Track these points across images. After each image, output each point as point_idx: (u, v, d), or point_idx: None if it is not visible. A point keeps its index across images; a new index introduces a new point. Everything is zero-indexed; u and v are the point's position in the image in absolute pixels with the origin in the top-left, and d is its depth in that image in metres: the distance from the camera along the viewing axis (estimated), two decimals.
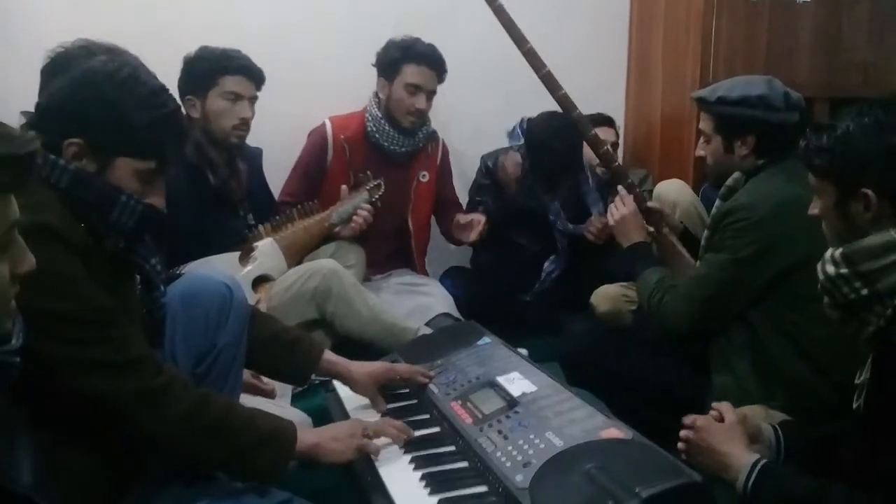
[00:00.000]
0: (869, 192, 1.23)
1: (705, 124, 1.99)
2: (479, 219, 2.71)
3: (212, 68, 2.30)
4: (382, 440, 1.50)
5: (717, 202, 1.97)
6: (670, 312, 1.92)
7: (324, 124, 2.70)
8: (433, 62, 2.64)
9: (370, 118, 2.67)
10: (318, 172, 2.69)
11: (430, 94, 2.67)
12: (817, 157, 1.31)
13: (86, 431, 1.24)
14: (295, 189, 2.69)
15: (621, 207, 2.16)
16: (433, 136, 2.81)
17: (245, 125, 2.35)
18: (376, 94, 2.70)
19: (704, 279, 1.87)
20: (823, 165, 1.30)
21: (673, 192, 2.40)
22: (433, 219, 2.95)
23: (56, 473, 1.13)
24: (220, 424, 1.32)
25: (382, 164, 2.68)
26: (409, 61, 2.62)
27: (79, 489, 1.21)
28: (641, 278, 2.04)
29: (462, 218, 2.74)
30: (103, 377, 1.21)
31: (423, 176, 2.80)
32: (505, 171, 2.80)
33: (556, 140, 2.64)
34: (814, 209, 1.37)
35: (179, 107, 1.38)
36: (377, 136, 2.66)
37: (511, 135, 3.00)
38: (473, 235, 2.70)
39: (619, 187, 2.22)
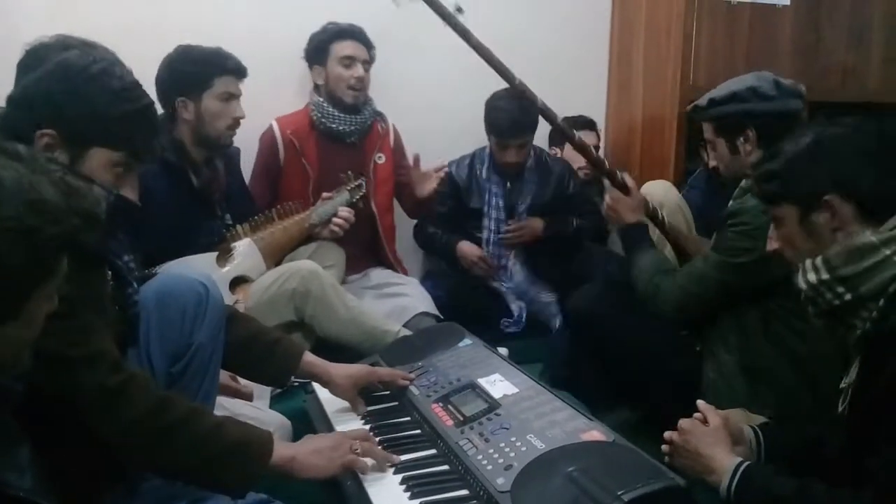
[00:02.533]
0: (831, 197, 1.24)
1: (707, 132, 1.98)
2: (438, 167, 2.74)
3: (205, 69, 2.27)
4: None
5: (731, 202, 1.95)
6: (662, 298, 1.95)
7: (271, 126, 2.72)
8: (357, 35, 2.71)
9: (314, 107, 2.71)
10: (275, 172, 2.71)
11: (365, 63, 2.71)
12: (769, 184, 1.32)
13: (64, 431, 1.20)
14: (256, 193, 2.68)
15: (612, 194, 2.19)
16: (380, 115, 2.83)
17: (237, 124, 2.34)
18: (315, 86, 2.77)
19: (701, 277, 1.90)
20: (779, 189, 1.31)
21: (659, 192, 2.41)
22: (406, 219, 2.97)
23: (47, 476, 1.11)
24: (182, 429, 1.25)
25: (335, 150, 2.71)
26: (335, 40, 2.70)
27: (66, 490, 1.18)
28: (636, 260, 2.04)
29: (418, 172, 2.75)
30: (56, 371, 1.17)
31: (380, 158, 2.80)
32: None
33: (504, 100, 2.73)
34: (773, 245, 1.38)
35: (152, 102, 1.38)
36: (324, 121, 2.69)
37: None
38: (433, 184, 2.72)
39: (607, 183, 2.24)
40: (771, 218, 1.66)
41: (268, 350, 1.65)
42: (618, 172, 2.25)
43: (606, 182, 2.25)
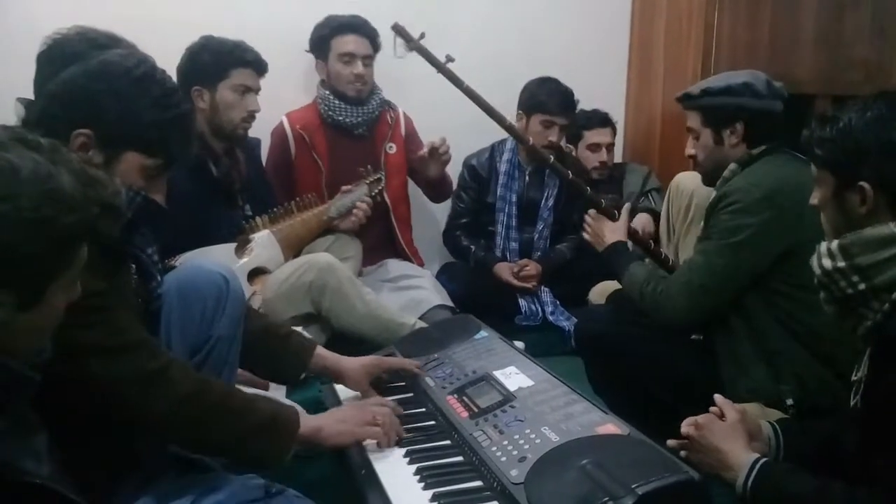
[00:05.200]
0: (865, 185, 1.22)
1: (693, 121, 1.98)
2: (441, 141, 2.65)
3: (223, 60, 2.29)
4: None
5: (713, 192, 1.96)
6: (667, 302, 1.89)
7: (281, 121, 2.74)
8: (359, 28, 2.70)
9: (321, 100, 2.73)
10: (286, 167, 2.73)
11: (366, 58, 2.71)
12: (819, 148, 1.30)
13: (81, 422, 1.22)
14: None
15: (589, 220, 2.22)
16: (388, 105, 2.83)
17: (252, 117, 2.37)
18: (321, 80, 2.77)
19: (703, 266, 1.85)
20: (824, 156, 1.30)
21: (691, 181, 2.38)
22: (423, 210, 3.00)
23: (64, 465, 1.13)
24: (220, 407, 1.30)
25: (344, 142, 2.73)
26: (336, 35, 2.71)
27: (81, 480, 1.19)
28: (627, 274, 2.02)
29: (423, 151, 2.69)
30: (98, 362, 1.19)
31: (390, 148, 2.81)
32: None
33: (551, 80, 2.83)
34: (813, 199, 1.36)
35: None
36: (331, 114, 2.71)
37: None
38: (437, 164, 2.67)
39: (591, 211, 2.24)
40: (762, 196, 1.77)
41: (281, 344, 1.67)
42: (603, 201, 2.25)
43: (591, 212, 2.24)
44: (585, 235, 2.22)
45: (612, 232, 2.15)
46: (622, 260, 2.07)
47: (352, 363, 1.74)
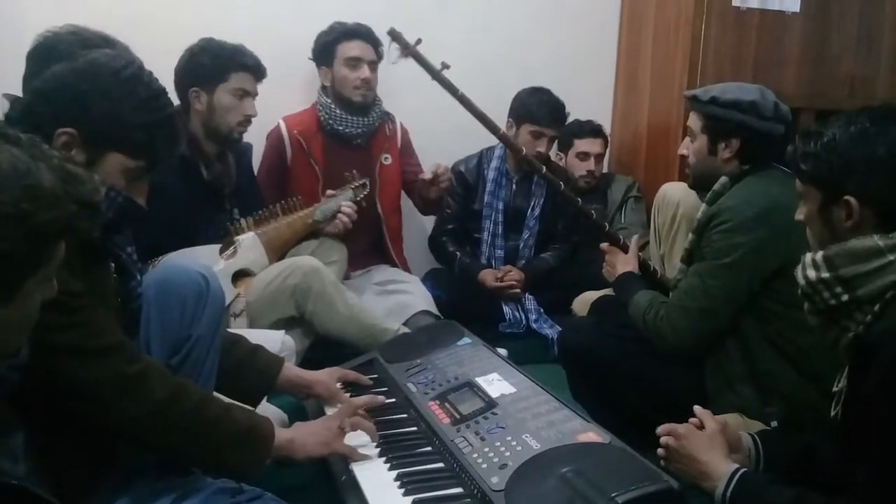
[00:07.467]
0: (851, 199, 1.23)
1: (693, 122, 1.98)
2: (443, 169, 2.67)
3: (223, 63, 2.29)
4: (358, 440, 1.50)
5: (703, 206, 1.96)
6: (668, 328, 1.86)
7: (278, 125, 2.73)
8: (364, 35, 2.70)
9: (321, 107, 2.72)
10: (281, 171, 2.72)
11: (372, 64, 2.70)
12: (804, 163, 1.30)
13: (62, 422, 1.20)
14: (262, 192, 2.67)
15: (610, 250, 2.21)
16: (388, 116, 2.83)
17: (248, 122, 2.36)
18: (322, 87, 2.76)
19: (699, 289, 1.84)
20: (809, 171, 1.30)
21: (678, 191, 2.39)
22: (410, 217, 2.98)
23: (41, 465, 1.11)
24: (196, 415, 1.28)
25: (341, 151, 2.71)
26: (341, 40, 2.69)
27: (59, 481, 1.18)
28: (632, 302, 1.99)
29: (427, 175, 2.68)
30: (75, 364, 1.18)
31: (386, 159, 2.80)
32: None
33: (544, 91, 2.85)
34: (799, 214, 1.37)
35: (176, 112, 1.38)
36: (331, 122, 2.69)
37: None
38: (438, 189, 2.68)
39: (604, 245, 2.24)
40: (754, 214, 1.76)
41: (248, 359, 1.67)
42: (621, 237, 2.25)
43: (604, 245, 2.24)
44: (603, 269, 2.22)
45: (623, 264, 2.15)
46: (629, 290, 2.06)
47: (317, 372, 1.78)
